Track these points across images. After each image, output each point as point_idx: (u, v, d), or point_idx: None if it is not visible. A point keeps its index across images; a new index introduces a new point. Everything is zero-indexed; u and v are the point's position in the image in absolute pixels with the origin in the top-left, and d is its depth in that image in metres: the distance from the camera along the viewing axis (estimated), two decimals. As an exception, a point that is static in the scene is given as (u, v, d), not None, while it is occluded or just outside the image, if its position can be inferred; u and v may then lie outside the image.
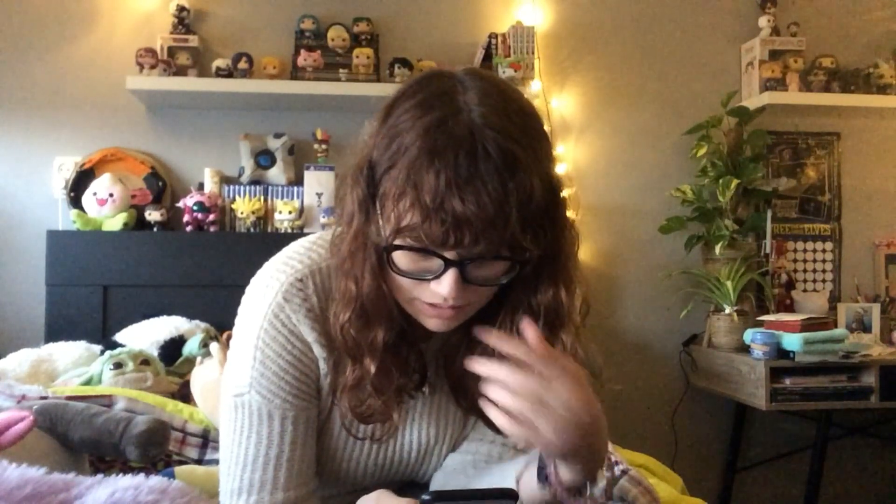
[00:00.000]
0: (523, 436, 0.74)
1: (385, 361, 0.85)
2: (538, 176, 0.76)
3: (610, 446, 1.56)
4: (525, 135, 0.77)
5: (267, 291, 0.87)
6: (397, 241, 0.77)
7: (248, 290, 0.91)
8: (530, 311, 0.86)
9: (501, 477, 0.88)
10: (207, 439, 1.53)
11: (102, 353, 1.90)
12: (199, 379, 1.61)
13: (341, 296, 0.85)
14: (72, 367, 1.94)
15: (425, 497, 0.73)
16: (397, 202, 0.75)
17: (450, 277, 0.78)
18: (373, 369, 0.85)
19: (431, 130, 0.75)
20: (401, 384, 0.88)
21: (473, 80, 0.80)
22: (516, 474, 0.85)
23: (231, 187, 2.52)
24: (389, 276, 0.83)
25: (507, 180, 0.73)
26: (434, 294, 0.80)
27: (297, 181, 2.56)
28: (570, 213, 0.87)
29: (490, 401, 0.75)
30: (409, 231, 0.75)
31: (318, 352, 0.88)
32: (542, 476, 0.80)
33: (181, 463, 1.44)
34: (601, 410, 0.78)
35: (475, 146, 0.73)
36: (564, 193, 0.84)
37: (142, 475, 0.93)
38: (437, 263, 0.78)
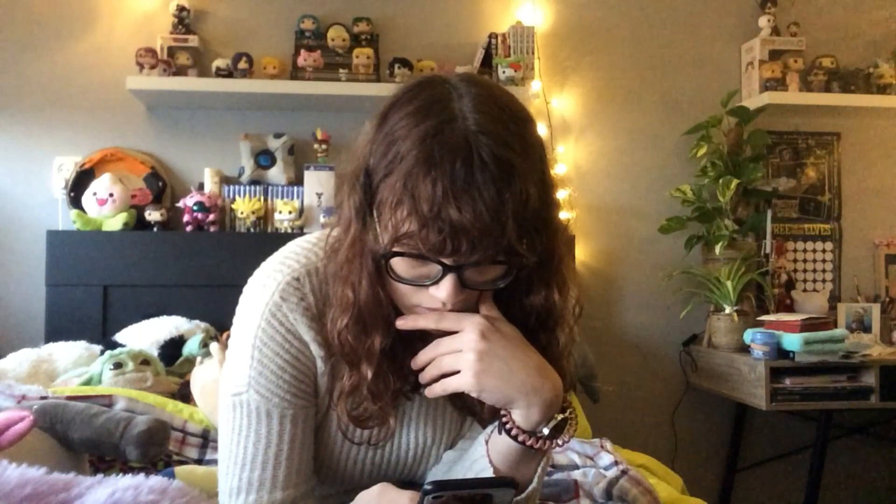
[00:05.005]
0: (454, 384, 0.82)
1: (382, 367, 0.86)
2: (533, 182, 0.77)
3: (610, 446, 1.57)
4: (520, 141, 0.78)
5: (264, 291, 0.88)
6: (395, 249, 0.78)
7: (245, 289, 0.91)
8: (522, 312, 0.87)
9: (474, 448, 0.90)
10: (207, 439, 1.54)
11: (102, 353, 1.90)
12: (199, 379, 1.61)
13: (338, 302, 0.85)
14: (72, 367, 1.94)
15: (426, 487, 0.74)
16: (395, 210, 0.76)
17: (448, 283, 0.79)
18: (370, 375, 0.86)
19: (427, 139, 0.75)
20: (397, 388, 0.89)
21: (468, 87, 0.80)
22: (485, 437, 0.88)
23: (231, 187, 2.52)
24: (387, 282, 0.84)
25: (503, 189, 0.74)
26: (432, 299, 0.81)
27: (297, 181, 2.56)
28: (564, 215, 0.88)
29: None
30: (406, 239, 0.76)
31: (316, 350, 0.88)
32: (503, 427, 0.84)
33: (181, 463, 1.45)
34: (530, 352, 0.84)
35: (471, 155, 0.74)
36: (559, 196, 0.85)
37: (142, 475, 0.93)
38: (435, 269, 0.79)
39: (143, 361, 1.79)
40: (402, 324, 0.84)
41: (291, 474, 0.88)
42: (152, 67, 2.43)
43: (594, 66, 2.82)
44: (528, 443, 0.83)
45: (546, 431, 0.83)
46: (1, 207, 2.52)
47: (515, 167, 0.75)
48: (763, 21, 2.79)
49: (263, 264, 0.92)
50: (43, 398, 1.39)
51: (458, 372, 0.82)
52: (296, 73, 2.52)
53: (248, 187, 2.52)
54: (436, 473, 0.99)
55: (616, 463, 1.46)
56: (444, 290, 0.79)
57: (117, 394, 1.52)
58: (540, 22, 2.75)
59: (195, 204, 2.41)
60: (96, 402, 1.40)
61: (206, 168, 2.52)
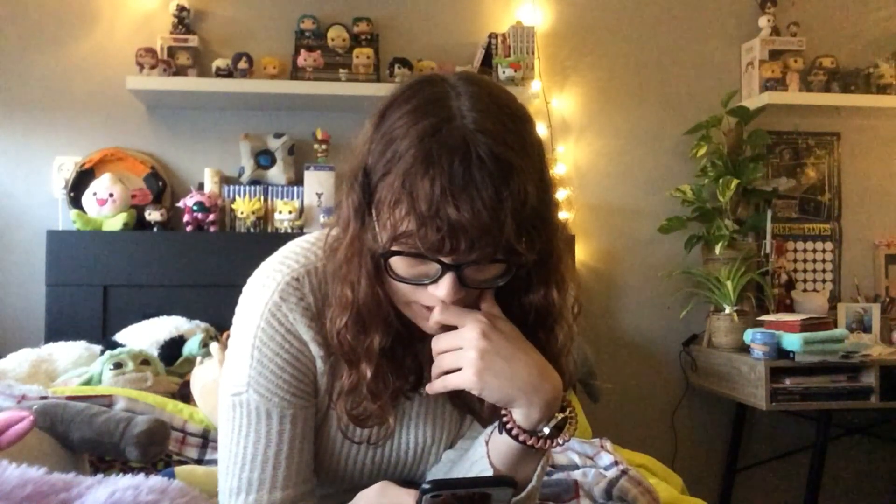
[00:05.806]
0: (455, 382, 0.82)
1: (381, 366, 0.86)
2: (532, 181, 0.77)
3: (610, 446, 1.57)
4: (518, 140, 0.78)
5: (263, 291, 0.88)
6: (394, 248, 0.78)
7: (245, 289, 0.91)
8: (521, 310, 0.88)
9: (474, 449, 0.90)
10: (207, 439, 1.54)
11: (102, 353, 1.90)
12: (199, 379, 1.61)
13: (337, 301, 0.85)
14: (72, 367, 1.94)
15: (425, 486, 0.74)
16: (393, 209, 0.76)
17: (447, 281, 0.79)
18: (369, 374, 0.85)
19: (425, 138, 0.75)
20: (397, 387, 0.89)
21: (466, 86, 0.80)
22: (485, 438, 0.87)
23: (231, 187, 2.52)
24: (386, 281, 0.84)
25: (501, 187, 0.74)
26: (432, 297, 0.81)
27: (297, 181, 2.56)
28: (563, 215, 0.88)
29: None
30: (405, 238, 0.76)
31: (315, 350, 0.88)
32: (504, 426, 0.84)
33: (181, 463, 1.45)
34: (531, 351, 0.84)
35: (469, 153, 0.74)
36: (558, 195, 0.86)
37: (142, 475, 0.93)
38: (434, 268, 0.79)
39: (143, 361, 1.79)
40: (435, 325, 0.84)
41: (291, 474, 0.88)
42: (152, 67, 2.43)
43: (594, 66, 2.82)
44: (529, 442, 0.83)
45: (546, 431, 0.83)
46: (1, 207, 2.52)
47: (514, 165, 0.75)
48: (763, 21, 2.79)
49: (263, 264, 0.92)
50: (43, 398, 1.39)
51: (459, 369, 0.82)
52: (296, 73, 2.52)
53: (248, 187, 2.52)
54: (436, 473, 0.99)
55: (616, 463, 1.46)
56: (443, 288, 0.79)
57: (117, 394, 1.52)
58: (540, 22, 2.75)
59: (195, 204, 2.41)
60: (96, 402, 1.40)
61: (206, 168, 2.52)
